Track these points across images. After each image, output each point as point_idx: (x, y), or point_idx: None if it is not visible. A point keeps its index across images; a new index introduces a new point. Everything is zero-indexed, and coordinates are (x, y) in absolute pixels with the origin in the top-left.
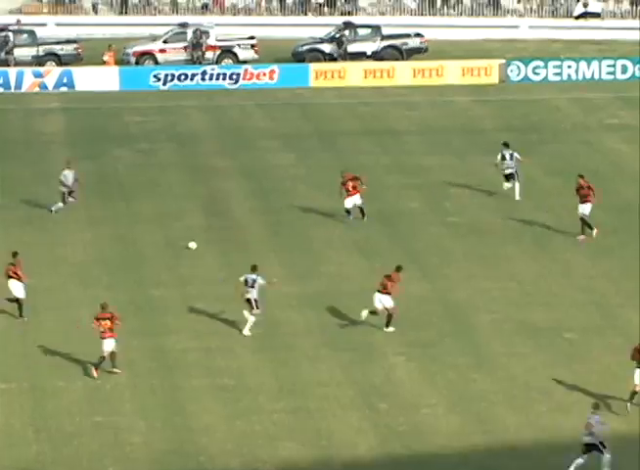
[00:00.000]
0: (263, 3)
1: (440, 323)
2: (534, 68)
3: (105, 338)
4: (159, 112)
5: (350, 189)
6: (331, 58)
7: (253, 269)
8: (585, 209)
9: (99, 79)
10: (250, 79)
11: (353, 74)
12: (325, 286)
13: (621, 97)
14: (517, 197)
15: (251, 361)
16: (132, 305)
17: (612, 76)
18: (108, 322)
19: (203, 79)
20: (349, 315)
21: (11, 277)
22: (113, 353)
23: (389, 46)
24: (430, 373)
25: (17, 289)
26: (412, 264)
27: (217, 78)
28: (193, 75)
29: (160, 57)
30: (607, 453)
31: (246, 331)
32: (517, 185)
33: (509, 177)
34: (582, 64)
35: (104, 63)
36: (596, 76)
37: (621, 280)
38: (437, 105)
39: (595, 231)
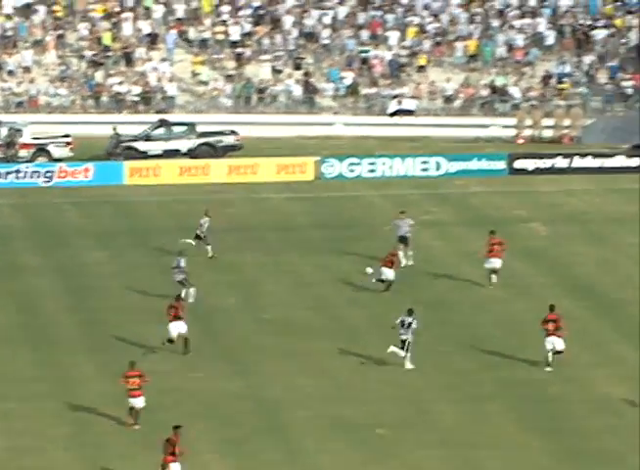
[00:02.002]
0: (78, 101)
1: (254, 420)
2: (349, 164)
3: (134, 397)
4: None
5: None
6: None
7: (410, 313)
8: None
9: None
10: (64, 177)
11: (168, 172)
12: None
13: (435, 193)
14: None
15: (63, 460)
16: None
17: (425, 173)
18: (137, 380)
19: (17, 178)
20: (163, 412)
21: None
22: (141, 410)
23: (205, 144)
24: None
25: None
26: (226, 361)
27: (31, 176)
28: (7, 174)
29: None
30: None
31: (408, 366)
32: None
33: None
34: (397, 160)
35: None
36: (410, 173)
37: (434, 375)
38: (252, 202)
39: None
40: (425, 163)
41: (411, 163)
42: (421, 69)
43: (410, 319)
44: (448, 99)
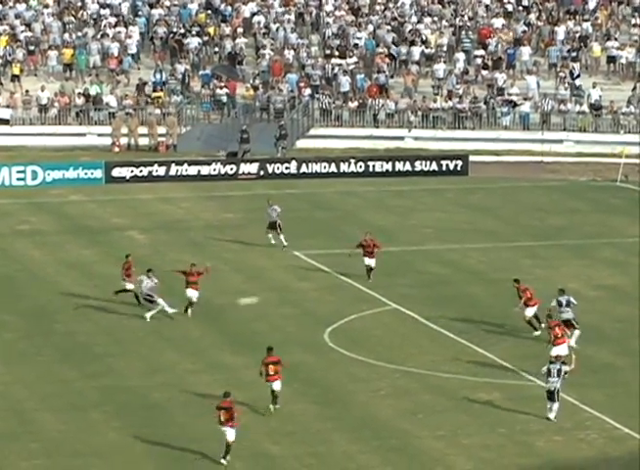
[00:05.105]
0: None
1: None
2: None
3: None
4: None
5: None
6: None
7: (562, 291)
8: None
9: None
10: None
11: None
12: None
13: (32, 203)
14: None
15: None
16: None
17: (22, 182)
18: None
19: None
20: None
21: None
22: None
23: None
24: None
25: None
26: None
27: None
28: None
29: None
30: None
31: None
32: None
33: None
34: None
35: None
36: (6, 183)
37: (36, 384)
38: None
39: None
40: (21, 172)
41: (7, 172)
42: (15, 78)
43: (567, 297)
44: (43, 108)
